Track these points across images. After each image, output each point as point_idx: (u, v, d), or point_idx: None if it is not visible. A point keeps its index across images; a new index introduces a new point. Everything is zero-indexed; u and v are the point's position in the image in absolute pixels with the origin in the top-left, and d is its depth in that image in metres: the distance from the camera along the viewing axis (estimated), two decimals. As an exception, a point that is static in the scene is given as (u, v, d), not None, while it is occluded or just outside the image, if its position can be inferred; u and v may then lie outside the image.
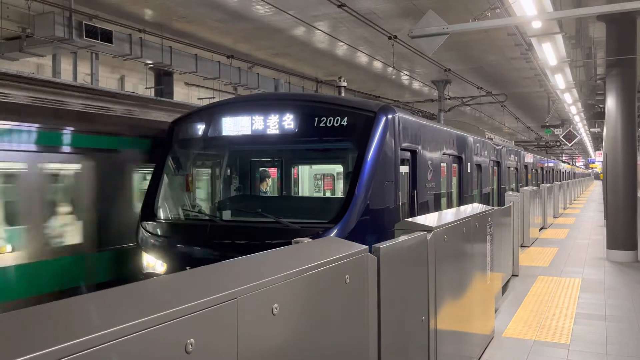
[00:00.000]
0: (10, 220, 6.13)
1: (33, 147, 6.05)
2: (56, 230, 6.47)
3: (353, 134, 6.03)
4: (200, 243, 6.11)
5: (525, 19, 8.36)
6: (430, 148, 7.85)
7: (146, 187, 7.10)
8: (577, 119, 23.72)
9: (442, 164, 8.58)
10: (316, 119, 6.13)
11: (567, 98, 16.87)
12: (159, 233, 6.50)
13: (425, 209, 7.42)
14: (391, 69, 17.11)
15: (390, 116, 6.20)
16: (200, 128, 6.92)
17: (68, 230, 6.61)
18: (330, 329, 2.47)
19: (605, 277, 9.26)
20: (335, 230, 5.42)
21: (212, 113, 6.91)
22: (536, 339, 5.88)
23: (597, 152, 39.64)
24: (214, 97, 17.78)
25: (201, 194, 8.02)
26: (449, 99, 19.91)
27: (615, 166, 11.13)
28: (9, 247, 6.05)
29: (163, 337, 1.51)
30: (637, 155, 11.58)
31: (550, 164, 29.62)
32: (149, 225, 6.56)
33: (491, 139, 13.88)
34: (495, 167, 13.96)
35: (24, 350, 1.18)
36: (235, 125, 6.62)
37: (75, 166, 6.66)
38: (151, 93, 15.42)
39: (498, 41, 15.45)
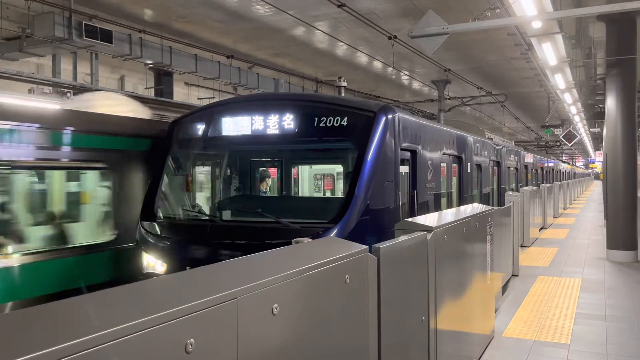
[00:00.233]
0: None
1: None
2: None
3: (353, 134, 6.03)
4: (200, 243, 6.10)
5: (525, 19, 8.36)
6: (430, 148, 7.85)
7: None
8: (577, 119, 23.72)
9: (442, 164, 8.58)
10: (316, 119, 6.13)
11: (567, 98, 16.87)
12: (158, 233, 6.50)
13: (425, 209, 7.42)
14: (391, 69, 17.11)
15: (390, 116, 6.20)
16: (200, 128, 6.92)
17: None
18: (331, 329, 2.47)
19: (605, 277, 9.26)
20: (335, 230, 5.42)
21: (212, 113, 6.91)
22: (536, 339, 5.88)
23: (597, 152, 39.64)
24: (213, 97, 17.78)
25: (201, 193, 8.02)
26: (448, 99, 19.91)
27: (615, 166, 11.13)
28: None
29: (163, 337, 1.51)
30: (637, 155, 11.58)
31: (550, 164, 29.62)
32: (149, 225, 6.56)
33: (491, 139, 13.88)
34: (495, 167, 13.96)
35: (24, 350, 1.18)
36: (235, 125, 6.62)
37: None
38: (151, 93, 15.42)
39: (498, 41, 15.45)
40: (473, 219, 5.10)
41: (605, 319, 6.65)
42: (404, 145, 6.67)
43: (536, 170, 23.05)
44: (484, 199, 12.07)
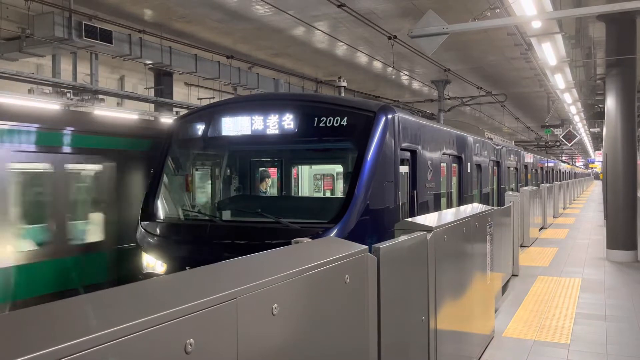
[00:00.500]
0: None
1: None
2: None
3: (353, 134, 6.03)
4: (200, 243, 6.10)
5: (525, 19, 8.35)
6: (430, 148, 7.85)
7: None
8: (576, 118, 23.71)
9: (442, 164, 8.58)
10: (316, 119, 6.13)
11: (567, 98, 16.87)
12: (158, 233, 6.50)
13: (425, 209, 7.42)
14: (391, 69, 17.11)
15: (390, 116, 6.20)
16: (200, 128, 6.92)
17: None
18: (330, 329, 2.47)
19: (605, 277, 9.26)
20: (335, 230, 5.42)
21: (212, 113, 6.91)
22: (536, 339, 5.88)
23: (596, 152, 39.63)
24: (213, 98, 17.77)
25: (201, 194, 8.02)
26: (448, 99, 19.89)
27: (615, 166, 11.13)
28: None
29: (162, 338, 1.51)
30: (637, 155, 11.57)
31: (550, 164, 29.62)
32: (149, 225, 6.55)
33: (491, 138, 13.89)
34: (495, 167, 13.96)
35: (24, 350, 1.18)
36: (235, 125, 6.62)
37: None
38: (151, 93, 15.41)
39: (498, 41, 15.44)
40: (473, 219, 5.10)
41: (605, 319, 6.65)
42: (404, 145, 6.67)
43: (536, 170, 23.05)
44: (484, 199, 12.07)
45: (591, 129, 28.39)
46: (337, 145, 6.43)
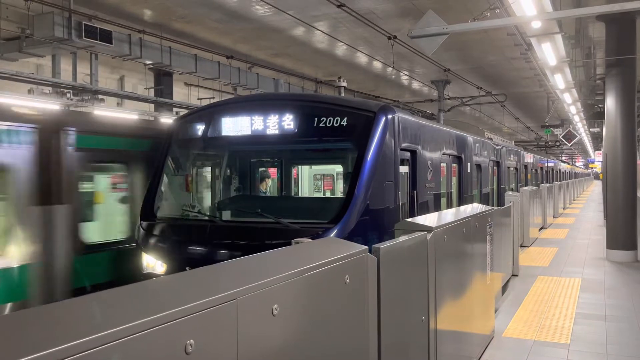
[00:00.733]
0: None
1: None
2: None
3: (353, 134, 6.02)
4: (200, 243, 6.10)
5: (524, 19, 8.36)
6: (430, 148, 7.85)
7: None
8: (576, 118, 23.72)
9: (441, 164, 8.58)
10: (316, 119, 6.13)
11: (567, 98, 16.87)
12: (158, 233, 6.50)
13: (425, 209, 7.42)
14: (391, 69, 17.11)
15: (390, 116, 6.20)
16: (200, 128, 6.92)
17: None
18: (330, 330, 2.47)
19: (605, 277, 9.26)
20: (335, 231, 5.42)
21: (212, 113, 6.91)
22: (536, 339, 5.88)
23: (596, 152, 39.64)
24: (213, 98, 17.77)
25: (201, 194, 8.02)
26: (448, 99, 19.90)
27: (615, 166, 11.13)
28: None
29: (163, 338, 1.51)
30: (637, 155, 11.58)
31: (550, 164, 29.62)
32: (149, 225, 6.55)
33: (491, 139, 13.89)
34: (495, 167, 13.96)
35: (26, 351, 1.18)
36: (235, 126, 6.62)
37: None
38: (151, 93, 15.42)
39: (498, 41, 15.45)
40: (473, 219, 5.10)
41: (605, 319, 6.65)
42: (404, 145, 6.67)
43: (536, 170, 23.06)
44: (484, 199, 12.07)
45: (591, 129, 28.41)
46: (337, 145, 6.43)
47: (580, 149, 56.08)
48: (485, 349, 5.51)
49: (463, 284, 4.71)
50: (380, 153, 5.91)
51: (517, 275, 9.24)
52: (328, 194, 10.32)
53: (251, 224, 6.11)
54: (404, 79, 21.12)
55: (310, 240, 3.93)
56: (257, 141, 6.57)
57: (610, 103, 11.14)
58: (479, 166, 11.64)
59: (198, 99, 18.49)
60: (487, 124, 31.61)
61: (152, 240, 6.41)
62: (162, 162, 7.00)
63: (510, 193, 11.35)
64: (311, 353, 2.30)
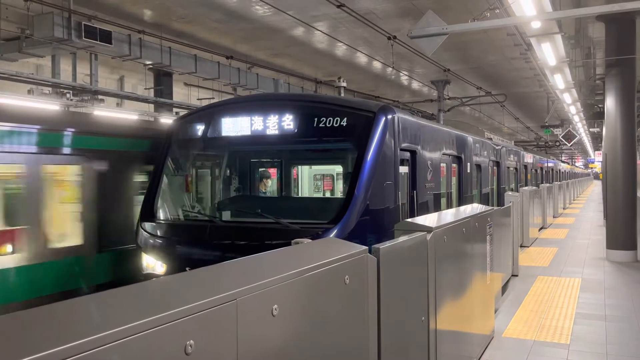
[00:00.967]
0: None
1: None
2: None
3: (353, 134, 6.02)
4: (200, 244, 6.10)
5: (524, 19, 8.36)
6: (430, 148, 7.85)
7: None
8: (576, 118, 23.72)
9: (441, 164, 8.58)
10: (316, 119, 6.13)
11: (567, 98, 16.87)
12: (158, 234, 6.50)
13: (424, 209, 7.42)
14: (390, 69, 17.11)
15: (389, 116, 6.20)
16: (200, 128, 6.92)
17: None
18: (330, 330, 2.47)
19: (605, 277, 9.26)
20: (335, 231, 5.42)
21: (211, 113, 6.91)
22: (536, 339, 5.88)
23: (596, 152, 39.62)
24: (213, 98, 17.77)
25: (201, 194, 8.02)
26: (448, 99, 19.89)
27: (614, 166, 11.13)
28: None
29: (163, 339, 1.51)
30: (637, 155, 11.58)
31: (550, 164, 29.62)
32: (149, 225, 6.55)
33: (491, 139, 13.89)
34: (495, 167, 13.96)
35: (26, 351, 1.18)
36: (234, 126, 6.62)
37: None
38: (150, 94, 15.41)
39: (497, 41, 15.44)
40: (473, 219, 5.10)
41: (605, 319, 6.65)
42: (404, 145, 6.67)
43: (536, 170, 23.06)
44: (484, 199, 12.07)
45: (591, 129, 28.41)
46: (337, 145, 6.43)
47: (580, 149, 56.08)
48: (485, 349, 5.51)
49: (463, 284, 4.71)
50: (380, 153, 5.91)
51: (517, 276, 9.24)
52: (328, 194, 10.32)
53: (251, 224, 6.11)
54: (404, 79, 21.12)
55: (310, 240, 3.93)
56: (257, 141, 6.57)
57: (610, 103, 11.14)
58: (478, 166, 11.64)
59: (198, 99, 18.48)
60: (487, 124, 31.61)
61: (152, 241, 6.41)
62: (162, 163, 7.00)
63: (510, 193, 11.36)
64: (311, 353, 2.30)
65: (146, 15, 12.79)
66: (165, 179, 6.94)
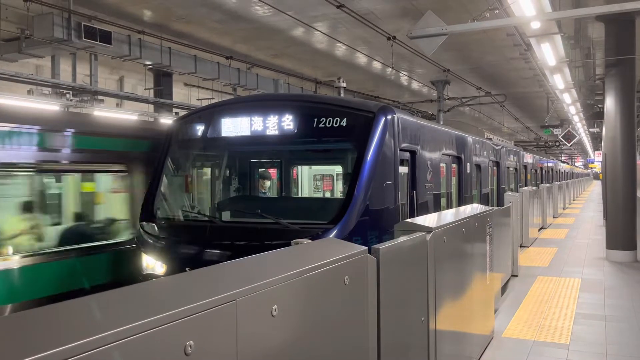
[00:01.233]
0: None
1: None
2: None
3: (352, 134, 6.03)
4: (199, 244, 6.10)
5: (524, 20, 8.36)
6: (430, 148, 7.85)
7: None
8: (576, 119, 23.74)
9: (441, 165, 8.58)
10: (315, 119, 6.13)
11: (566, 98, 16.88)
12: (158, 234, 6.49)
13: (424, 210, 7.42)
14: (390, 69, 17.11)
15: (389, 117, 6.20)
16: (200, 129, 6.92)
17: None
18: (330, 330, 2.47)
19: (605, 277, 9.27)
20: (335, 231, 5.42)
21: (211, 114, 6.91)
22: (536, 339, 5.89)
23: (596, 152, 39.63)
24: (213, 98, 17.77)
25: (201, 194, 8.02)
26: (448, 99, 19.88)
27: (614, 166, 11.13)
28: None
29: (162, 339, 1.51)
30: (637, 155, 11.58)
31: (550, 164, 29.63)
32: (149, 226, 6.55)
33: (490, 139, 13.89)
34: (495, 168, 13.96)
35: (27, 351, 1.19)
36: (234, 126, 6.62)
37: None
38: (150, 94, 15.42)
39: (497, 41, 15.45)
40: (472, 219, 5.10)
41: (605, 319, 6.65)
42: (404, 145, 6.67)
43: (535, 171, 23.06)
44: (484, 199, 12.07)
45: (590, 129, 28.43)
46: (337, 145, 6.43)
47: (579, 149, 56.10)
48: (485, 349, 5.51)
49: (463, 284, 4.71)
50: (379, 153, 5.91)
51: (516, 276, 9.24)
52: (328, 195, 10.33)
53: (251, 224, 6.11)
54: (404, 79, 21.13)
55: (309, 240, 3.93)
56: (256, 141, 6.57)
57: (610, 103, 11.14)
58: (478, 166, 11.64)
59: (198, 99, 18.48)
60: (486, 124, 31.61)
61: (152, 241, 6.41)
62: (161, 163, 7.00)
63: (509, 193, 11.36)
64: (311, 354, 2.30)
65: (146, 15, 12.80)
66: (165, 179, 6.94)
